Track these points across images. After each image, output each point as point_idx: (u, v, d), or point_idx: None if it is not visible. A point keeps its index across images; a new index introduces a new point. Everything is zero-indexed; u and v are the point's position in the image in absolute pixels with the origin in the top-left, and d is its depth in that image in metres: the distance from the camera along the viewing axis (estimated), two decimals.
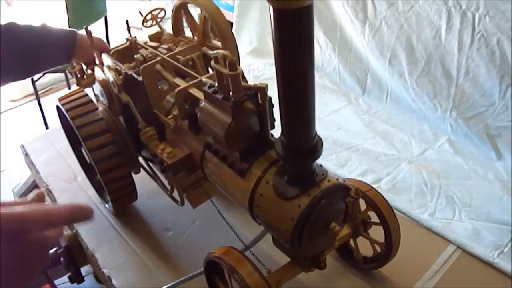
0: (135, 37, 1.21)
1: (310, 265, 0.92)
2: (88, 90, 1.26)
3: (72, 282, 1.34)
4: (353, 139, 1.62)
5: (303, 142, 0.74)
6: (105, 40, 1.38)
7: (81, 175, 1.42)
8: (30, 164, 1.57)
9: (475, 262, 1.17)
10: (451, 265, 1.16)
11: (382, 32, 1.73)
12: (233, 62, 0.73)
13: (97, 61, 1.21)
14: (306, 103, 0.69)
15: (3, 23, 1.18)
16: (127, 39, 1.21)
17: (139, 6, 3.69)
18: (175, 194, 1.11)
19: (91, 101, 1.16)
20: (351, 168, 1.49)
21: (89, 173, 1.37)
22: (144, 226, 1.28)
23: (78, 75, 1.27)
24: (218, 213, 1.05)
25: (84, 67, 1.28)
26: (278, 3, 0.58)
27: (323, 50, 2.00)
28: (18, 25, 1.20)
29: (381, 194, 0.99)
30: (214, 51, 0.78)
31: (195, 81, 0.94)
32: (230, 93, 0.78)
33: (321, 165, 0.83)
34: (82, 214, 0.60)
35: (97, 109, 1.14)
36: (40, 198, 0.62)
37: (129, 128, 1.18)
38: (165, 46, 1.16)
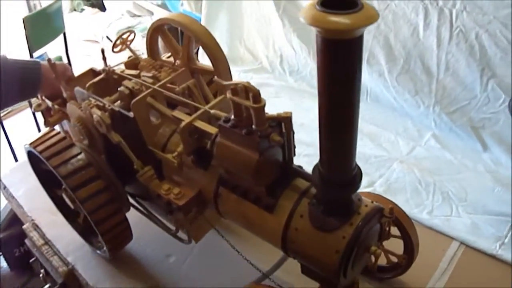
0: (111, 66, 1.11)
1: None
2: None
3: None
4: None
5: (345, 173, 0.72)
6: (66, 62, 1.29)
7: None
8: (10, 198, 1.48)
9: (480, 256, 1.19)
10: (457, 262, 1.18)
11: None
12: (257, 94, 0.69)
13: (64, 94, 1.12)
14: (351, 135, 0.66)
15: None
16: (104, 70, 1.10)
17: (94, 18, 3.59)
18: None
19: (73, 144, 1.06)
20: None
21: (70, 217, 1.27)
22: (144, 254, 1.22)
23: (45, 113, 1.18)
24: (221, 237, 1.01)
25: (49, 103, 1.19)
26: (329, 33, 0.54)
27: (297, 54, 1.99)
28: None
29: (401, 209, 0.98)
30: (231, 82, 0.74)
31: (199, 112, 0.88)
32: (253, 126, 0.74)
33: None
34: None
35: (80, 153, 1.04)
36: None
37: (114, 165, 1.08)
38: (147, 74, 1.06)
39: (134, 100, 0.93)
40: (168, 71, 1.07)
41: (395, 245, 1.01)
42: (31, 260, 1.48)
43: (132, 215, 1.13)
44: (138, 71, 1.09)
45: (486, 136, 1.52)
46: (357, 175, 0.74)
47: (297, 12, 1.92)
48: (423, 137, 1.60)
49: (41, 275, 1.38)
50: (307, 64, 1.97)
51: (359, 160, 1.48)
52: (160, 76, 1.05)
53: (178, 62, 1.11)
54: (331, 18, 0.53)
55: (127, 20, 3.41)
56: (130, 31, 1.20)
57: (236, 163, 0.79)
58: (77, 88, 1.07)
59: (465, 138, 1.55)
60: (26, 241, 1.36)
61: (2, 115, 3.13)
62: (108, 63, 1.12)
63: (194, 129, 0.87)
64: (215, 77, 0.95)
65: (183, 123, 0.86)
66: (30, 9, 3.54)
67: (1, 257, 1.95)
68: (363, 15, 0.52)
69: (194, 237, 1.04)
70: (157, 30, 1.12)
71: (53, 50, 2.87)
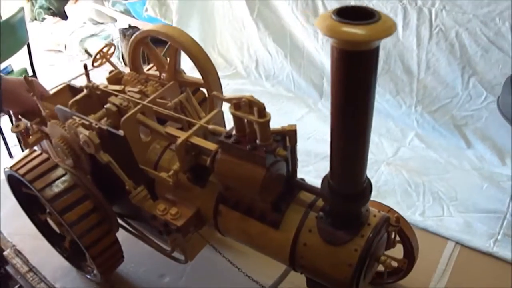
0: (94, 83, 1.04)
1: None
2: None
3: None
4: (325, 147, 1.58)
5: (356, 186, 0.70)
6: (31, 74, 1.22)
7: None
8: None
9: (476, 254, 1.20)
10: (455, 262, 1.18)
11: None
12: (262, 108, 0.66)
13: (43, 113, 1.05)
14: (364, 147, 0.65)
15: None
16: (87, 86, 1.04)
17: (56, 27, 3.47)
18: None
19: (57, 165, 1.01)
20: None
21: (55, 242, 1.21)
22: (136, 275, 1.17)
23: (23, 134, 1.11)
24: (214, 253, 0.97)
25: (27, 122, 1.12)
26: (344, 44, 0.52)
27: (273, 58, 1.97)
28: None
29: (398, 213, 0.96)
30: (234, 96, 0.70)
31: (195, 128, 0.84)
32: (257, 141, 0.71)
33: None
34: None
35: (65, 174, 0.99)
36: None
37: (99, 185, 1.04)
38: (133, 89, 1.00)
39: (124, 118, 0.88)
40: (154, 85, 1.02)
41: (394, 249, 0.99)
42: None
43: (119, 234, 1.08)
44: (122, 86, 1.04)
45: (469, 133, 1.53)
46: (368, 187, 0.72)
47: (272, 15, 1.90)
48: (406, 137, 1.60)
49: None
50: (284, 68, 1.95)
51: None
52: (147, 90, 1.00)
53: (164, 75, 1.06)
54: (347, 29, 0.51)
55: (90, 28, 3.31)
56: (110, 44, 1.15)
57: (240, 180, 0.76)
58: (59, 107, 1.00)
59: (448, 136, 1.56)
60: (8, 268, 1.29)
61: None
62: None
63: (191, 146, 0.83)
64: (214, 92, 0.91)
65: (179, 140, 0.82)
66: None
67: None
68: (381, 26, 0.50)
69: (189, 256, 1.00)
70: (140, 43, 1.06)
71: (17, 61, 2.75)
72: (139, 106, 0.90)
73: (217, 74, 1.01)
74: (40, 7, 3.59)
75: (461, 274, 1.14)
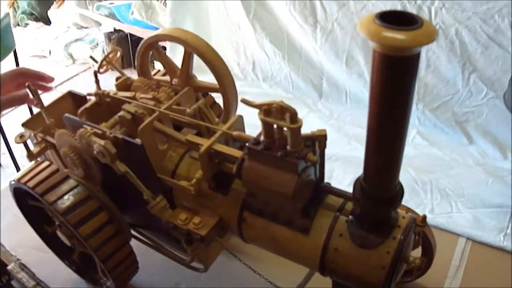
0: (105, 90, 1.02)
1: None
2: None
3: None
4: (330, 148, 1.58)
5: (390, 190, 0.69)
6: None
7: None
8: None
9: (488, 249, 1.21)
10: (468, 258, 1.18)
11: (335, 35, 1.72)
12: (294, 113, 0.66)
13: (47, 121, 1.02)
14: (400, 151, 0.64)
15: None
16: (97, 93, 1.01)
17: (40, 32, 3.42)
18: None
19: (67, 176, 0.98)
20: (338, 179, 1.47)
21: (64, 254, 1.19)
22: (151, 285, 1.15)
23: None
24: (229, 259, 0.95)
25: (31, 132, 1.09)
26: (387, 49, 0.52)
27: (271, 59, 1.96)
28: None
29: (416, 212, 0.97)
30: (264, 102, 0.69)
31: (217, 135, 0.83)
32: (288, 147, 0.70)
33: None
34: None
35: (78, 185, 0.97)
36: None
37: (110, 195, 1.01)
38: (146, 95, 0.97)
39: (141, 126, 0.85)
40: (167, 91, 1.01)
41: None
42: None
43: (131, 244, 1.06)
44: (133, 93, 1.01)
45: (471, 130, 1.55)
46: (400, 191, 0.71)
47: (268, 16, 1.89)
48: (408, 135, 1.60)
49: None
50: (281, 69, 1.94)
51: (353, 165, 1.49)
52: (160, 97, 0.98)
53: (175, 80, 1.05)
54: (391, 34, 0.50)
55: (74, 32, 3.26)
56: (116, 49, 1.12)
57: (270, 187, 0.75)
58: (68, 115, 0.98)
59: (450, 133, 1.57)
60: (13, 283, 1.25)
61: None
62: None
63: (214, 153, 0.82)
64: (242, 99, 0.89)
65: (202, 148, 0.80)
66: None
67: None
68: (424, 32, 0.50)
69: (207, 263, 0.99)
70: (149, 47, 1.04)
71: (3, 68, 2.69)
72: (156, 114, 0.88)
73: (232, 77, 0.99)
74: (23, 13, 3.51)
75: (475, 270, 1.15)
